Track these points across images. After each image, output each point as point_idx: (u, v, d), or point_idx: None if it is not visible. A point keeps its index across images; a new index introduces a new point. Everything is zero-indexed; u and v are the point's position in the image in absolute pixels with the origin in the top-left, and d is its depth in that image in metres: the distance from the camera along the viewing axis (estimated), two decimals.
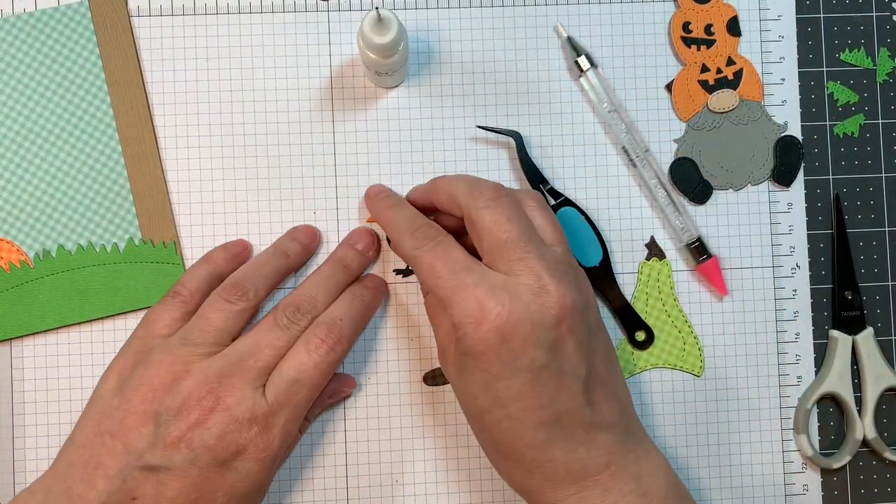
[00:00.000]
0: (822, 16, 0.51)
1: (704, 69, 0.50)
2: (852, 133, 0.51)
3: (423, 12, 0.49)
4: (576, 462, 0.40)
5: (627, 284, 0.49)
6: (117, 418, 0.41)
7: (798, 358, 0.50)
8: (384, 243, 0.49)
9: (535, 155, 0.49)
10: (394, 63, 0.44)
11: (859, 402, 0.49)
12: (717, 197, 0.50)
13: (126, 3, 0.48)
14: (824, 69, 0.51)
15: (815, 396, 0.49)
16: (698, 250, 0.49)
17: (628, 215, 0.49)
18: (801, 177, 0.50)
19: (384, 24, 0.42)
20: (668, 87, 0.50)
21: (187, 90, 0.48)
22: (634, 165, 0.49)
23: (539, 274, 0.40)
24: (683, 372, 0.49)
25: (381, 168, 0.49)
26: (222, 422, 0.40)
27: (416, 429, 0.48)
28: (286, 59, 0.49)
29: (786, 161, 0.50)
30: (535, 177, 0.49)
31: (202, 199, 0.48)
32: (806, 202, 0.50)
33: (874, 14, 0.51)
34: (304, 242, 0.47)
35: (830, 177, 0.51)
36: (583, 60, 0.49)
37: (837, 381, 0.49)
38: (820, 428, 0.50)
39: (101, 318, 0.48)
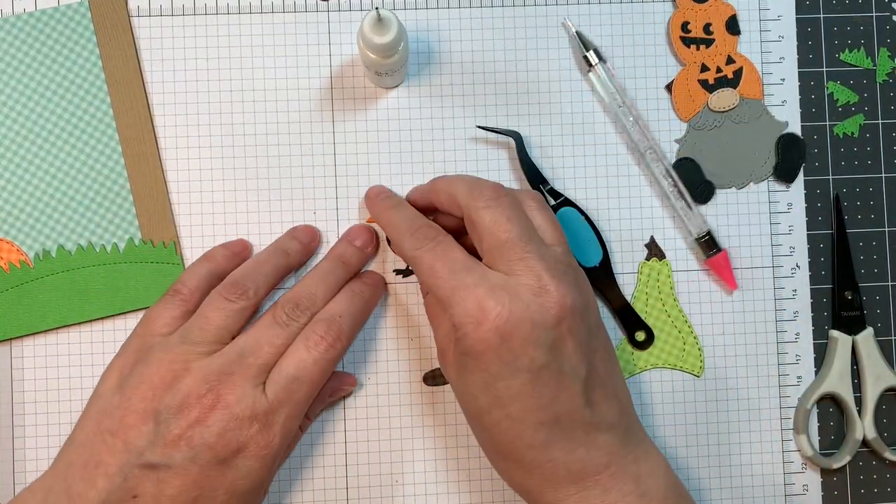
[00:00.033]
0: (822, 16, 0.51)
1: (704, 69, 0.50)
2: (852, 133, 0.51)
3: (423, 12, 0.49)
4: (575, 462, 0.40)
5: (627, 284, 0.49)
6: (117, 417, 0.41)
7: (798, 358, 0.50)
8: (383, 242, 0.49)
9: (535, 155, 0.49)
10: (394, 63, 0.44)
11: (859, 402, 0.49)
12: (717, 197, 0.50)
13: (126, 3, 0.48)
14: (824, 69, 0.51)
15: (815, 396, 0.49)
16: (708, 244, 0.49)
17: (628, 215, 0.50)
18: (801, 177, 0.50)
19: (384, 24, 0.42)
20: (668, 87, 0.50)
21: (187, 90, 0.48)
22: (643, 160, 0.49)
23: (539, 274, 0.40)
24: (683, 372, 0.49)
25: (381, 168, 0.49)
26: (222, 419, 0.40)
27: (416, 429, 0.48)
28: (286, 59, 0.49)
29: (787, 158, 0.50)
30: (535, 177, 0.49)
31: (202, 199, 0.48)
32: (806, 202, 0.50)
33: (874, 14, 0.51)
34: (305, 241, 0.47)
35: (830, 177, 0.51)
36: (591, 55, 0.49)
37: (837, 381, 0.49)
38: (820, 428, 0.50)
39: (101, 318, 0.48)
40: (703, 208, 0.50)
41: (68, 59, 0.48)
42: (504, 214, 0.41)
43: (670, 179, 0.49)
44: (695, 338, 0.49)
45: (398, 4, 0.49)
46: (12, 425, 0.47)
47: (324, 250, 0.48)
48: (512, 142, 0.49)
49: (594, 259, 0.49)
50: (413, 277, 0.49)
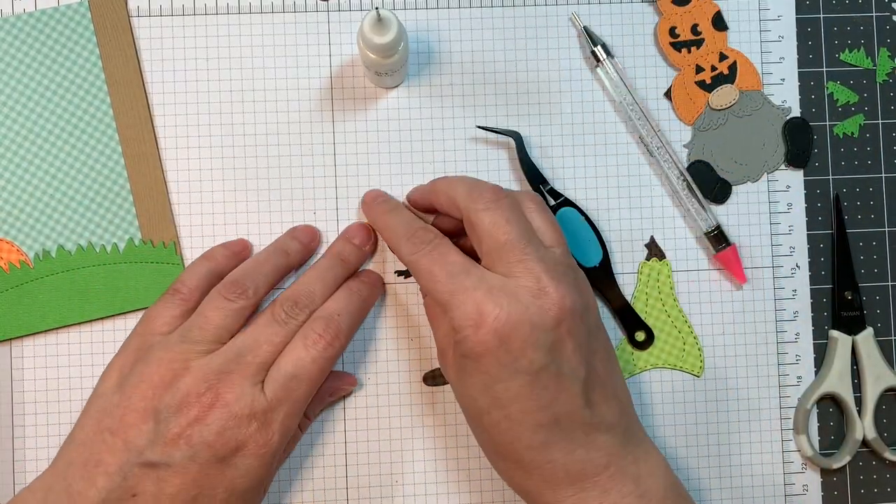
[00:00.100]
0: (822, 16, 0.51)
1: (699, 70, 0.50)
2: (852, 133, 0.51)
3: (423, 12, 0.49)
4: (575, 463, 0.40)
5: (627, 284, 0.49)
6: (117, 416, 0.41)
7: (798, 358, 0.50)
8: (382, 241, 0.49)
9: (535, 155, 0.49)
10: (394, 63, 0.45)
11: (859, 402, 0.49)
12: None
13: (126, 3, 0.48)
14: (824, 69, 0.51)
15: (815, 396, 0.49)
16: (717, 238, 0.49)
17: (628, 215, 0.50)
18: (801, 177, 0.50)
19: (384, 24, 0.42)
20: (667, 94, 0.50)
21: (187, 90, 0.48)
22: (653, 156, 0.49)
23: (538, 276, 0.40)
24: (683, 372, 0.49)
25: (381, 168, 0.49)
26: (221, 418, 0.40)
27: (415, 429, 0.48)
28: (286, 59, 0.49)
29: (797, 143, 0.50)
30: (535, 177, 0.49)
31: (202, 199, 0.48)
32: (806, 202, 0.50)
33: (874, 14, 0.51)
34: (305, 241, 0.47)
35: (830, 177, 0.51)
36: (600, 50, 0.49)
37: (837, 381, 0.49)
38: (820, 428, 0.50)
39: (101, 318, 0.48)
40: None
41: (68, 59, 0.48)
42: (503, 216, 0.41)
43: (678, 173, 0.49)
44: (695, 338, 0.49)
45: (398, 4, 0.49)
46: (12, 425, 0.47)
47: (323, 250, 0.48)
48: (512, 142, 0.49)
49: (594, 259, 0.49)
50: (413, 278, 0.49)
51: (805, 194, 0.50)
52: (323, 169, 0.49)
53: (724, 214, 0.50)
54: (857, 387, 0.50)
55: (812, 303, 0.50)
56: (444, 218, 0.46)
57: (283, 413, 0.41)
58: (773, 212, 0.50)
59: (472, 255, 0.43)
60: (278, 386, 0.41)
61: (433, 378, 0.48)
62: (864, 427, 0.49)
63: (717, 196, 0.50)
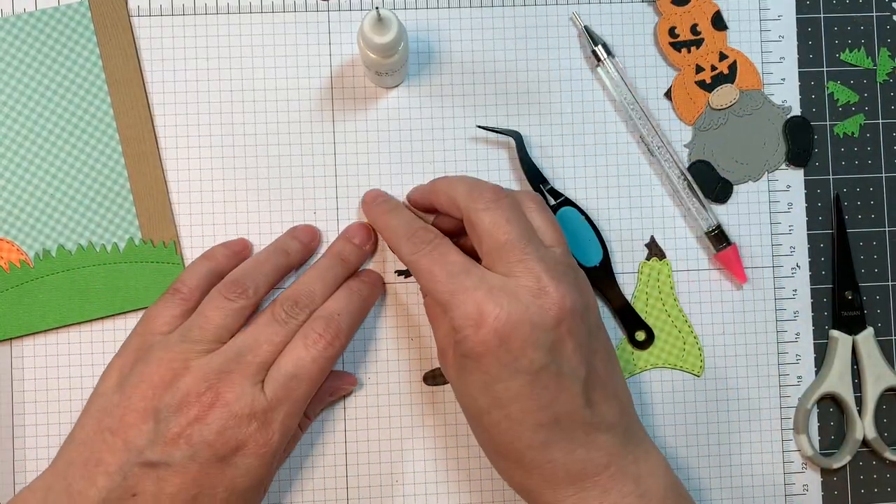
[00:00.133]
0: (822, 16, 0.51)
1: (699, 69, 0.50)
2: (852, 133, 0.51)
3: (423, 12, 0.49)
4: (575, 463, 0.40)
5: (627, 284, 0.49)
6: (117, 415, 0.41)
7: (798, 358, 0.50)
8: (382, 241, 0.49)
9: (535, 155, 0.49)
10: (394, 63, 0.45)
11: (859, 402, 0.49)
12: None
13: (126, 3, 0.48)
14: (824, 69, 0.51)
15: (815, 396, 0.49)
16: (718, 238, 0.49)
17: (628, 215, 0.50)
18: (801, 177, 0.50)
19: (384, 24, 0.42)
20: (668, 94, 0.50)
21: (187, 90, 0.48)
22: (654, 155, 0.49)
23: (538, 275, 0.40)
24: (683, 372, 0.49)
25: (381, 168, 0.49)
26: (221, 417, 0.40)
27: (416, 429, 0.48)
28: (286, 59, 0.49)
29: (798, 142, 0.50)
30: (535, 177, 0.49)
31: (202, 199, 0.48)
32: (806, 202, 0.50)
33: (874, 14, 0.51)
34: (305, 241, 0.47)
35: (830, 177, 0.51)
36: (600, 50, 0.49)
37: (837, 381, 0.49)
38: (820, 428, 0.50)
39: (101, 318, 0.48)
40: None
41: (68, 59, 0.48)
42: (503, 216, 0.41)
43: (678, 173, 0.49)
44: (695, 338, 0.49)
45: (398, 4, 0.49)
46: (12, 425, 0.47)
47: (323, 249, 0.48)
48: (512, 142, 0.49)
49: (594, 259, 0.49)
50: (413, 278, 0.49)
51: (805, 194, 0.50)
52: (323, 169, 0.49)
53: (725, 214, 0.50)
54: (858, 387, 0.50)
55: (812, 303, 0.50)
56: (444, 218, 0.46)
57: (284, 412, 0.41)
58: (773, 211, 0.50)
59: (473, 254, 0.43)
60: (278, 385, 0.41)
61: (433, 378, 0.48)
62: (864, 427, 0.49)
63: (719, 196, 0.50)
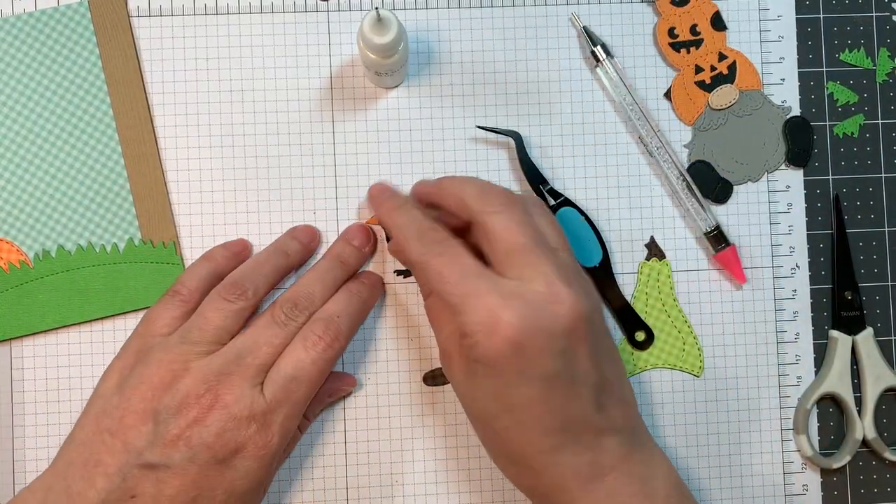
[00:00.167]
0: (822, 16, 0.51)
1: (699, 70, 0.50)
2: (852, 133, 0.51)
3: (423, 12, 0.49)
4: (583, 466, 0.40)
5: (627, 284, 0.49)
6: (117, 417, 0.41)
7: (798, 358, 0.50)
8: (382, 241, 0.49)
9: (535, 155, 0.49)
10: (394, 63, 0.44)
11: (859, 402, 0.49)
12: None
13: (126, 3, 0.48)
14: (824, 69, 0.51)
15: (815, 396, 0.49)
16: (717, 238, 0.49)
17: (628, 215, 0.49)
18: (801, 177, 0.50)
19: (384, 24, 0.42)
20: (667, 94, 0.50)
21: (187, 90, 0.48)
22: (651, 155, 0.49)
23: (551, 280, 0.39)
24: (683, 372, 0.49)
25: (381, 168, 0.49)
26: (221, 419, 0.40)
27: (416, 429, 0.48)
28: (286, 59, 0.49)
29: (798, 142, 0.50)
30: (535, 177, 0.49)
31: (202, 199, 0.48)
32: (806, 202, 0.50)
33: (874, 14, 0.51)
34: (304, 242, 0.47)
35: (830, 177, 0.51)
36: (599, 50, 0.49)
37: (837, 381, 0.49)
38: (820, 428, 0.50)
39: (101, 318, 0.48)
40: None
41: (68, 59, 0.48)
42: (515, 220, 0.41)
43: (678, 173, 0.49)
44: (694, 338, 0.49)
45: (398, 4, 0.49)
46: (12, 425, 0.47)
47: (323, 250, 0.48)
48: (512, 142, 0.49)
49: (594, 259, 0.49)
50: (413, 278, 0.48)
51: (805, 194, 0.50)
52: (323, 169, 0.49)
53: (724, 214, 0.50)
54: (857, 387, 0.50)
55: (812, 303, 0.50)
56: (447, 216, 0.46)
57: (283, 415, 0.41)
58: (772, 212, 0.50)
59: (476, 255, 0.43)
60: (278, 387, 0.41)
61: (433, 378, 0.48)
62: (864, 427, 0.49)
63: (719, 196, 0.50)
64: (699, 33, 0.50)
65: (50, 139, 0.48)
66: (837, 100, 0.51)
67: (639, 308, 0.49)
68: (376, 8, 0.41)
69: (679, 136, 0.50)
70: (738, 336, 0.50)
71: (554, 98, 0.49)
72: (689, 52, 0.50)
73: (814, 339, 0.50)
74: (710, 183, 0.50)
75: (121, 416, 0.40)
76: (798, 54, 0.51)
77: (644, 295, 0.49)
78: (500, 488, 0.48)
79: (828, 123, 0.51)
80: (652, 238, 0.50)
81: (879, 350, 0.49)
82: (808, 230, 0.50)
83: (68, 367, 0.47)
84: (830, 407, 0.50)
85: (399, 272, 0.49)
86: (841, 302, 0.50)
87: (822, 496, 0.50)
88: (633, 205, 0.50)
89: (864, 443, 0.49)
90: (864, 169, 0.51)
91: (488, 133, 0.49)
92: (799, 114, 0.50)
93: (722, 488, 0.49)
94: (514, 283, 0.40)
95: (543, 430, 0.39)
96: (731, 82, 0.50)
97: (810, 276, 0.50)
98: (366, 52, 0.44)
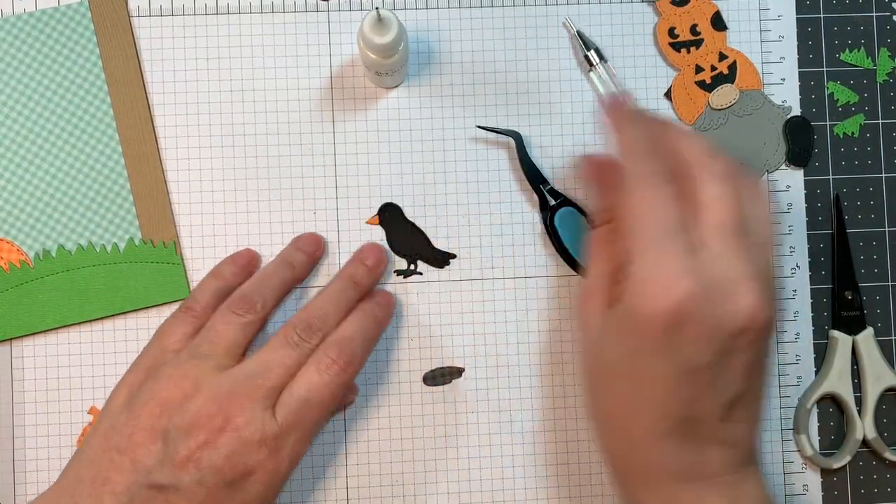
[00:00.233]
0: (822, 16, 0.51)
1: (699, 70, 0.50)
2: (852, 133, 0.51)
3: (423, 12, 0.49)
4: (683, 464, 0.38)
5: None
6: (126, 434, 0.40)
7: (798, 358, 0.50)
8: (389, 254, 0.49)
9: (535, 155, 0.49)
10: (394, 63, 0.44)
11: (859, 402, 0.49)
12: None
13: (126, 3, 0.48)
14: (824, 69, 0.51)
15: (815, 396, 0.49)
16: None
17: None
18: (801, 177, 0.50)
19: (384, 24, 0.42)
20: (668, 94, 0.50)
21: (187, 90, 0.48)
22: None
23: (747, 275, 0.37)
24: None
25: (381, 168, 0.49)
26: (231, 442, 0.39)
27: (416, 429, 0.48)
28: (286, 59, 0.49)
29: (798, 141, 0.50)
30: (535, 177, 0.48)
31: (202, 199, 0.48)
32: (806, 202, 0.50)
33: (874, 14, 0.51)
34: (309, 251, 0.47)
35: (830, 177, 0.50)
36: (592, 55, 0.49)
37: (837, 381, 0.49)
38: (820, 428, 0.50)
39: (101, 318, 0.48)
40: None
41: (68, 59, 0.48)
42: (734, 195, 0.38)
43: None
44: None
45: (398, 4, 0.49)
46: (12, 425, 0.47)
47: (324, 249, 0.48)
48: (512, 142, 0.49)
49: None
50: (413, 279, 0.48)
51: (805, 194, 0.50)
52: (323, 169, 0.49)
53: None
54: (858, 387, 0.50)
55: (812, 303, 0.50)
56: (601, 195, 0.42)
57: (294, 439, 0.41)
58: (773, 212, 0.50)
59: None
60: (290, 411, 0.41)
61: (433, 378, 0.48)
62: (864, 427, 0.49)
63: None
64: (699, 33, 0.50)
65: (50, 139, 0.48)
66: (838, 100, 0.51)
67: None
68: (376, 8, 0.41)
69: None
70: None
71: (554, 98, 0.49)
72: (689, 52, 0.50)
73: (814, 339, 0.50)
74: None
75: (130, 434, 0.40)
76: (798, 54, 0.51)
77: None
78: (500, 488, 0.48)
79: (828, 123, 0.50)
80: None
81: (880, 350, 0.49)
82: (808, 230, 0.50)
83: (68, 367, 0.47)
84: (830, 407, 0.50)
85: (399, 272, 0.49)
86: (841, 302, 0.50)
87: (823, 496, 0.50)
88: None
89: (865, 443, 0.49)
90: (865, 169, 0.51)
91: (488, 133, 0.49)
92: (799, 114, 0.50)
93: None
94: (709, 259, 0.37)
95: (662, 412, 0.38)
96: (732, 82, 0.50)
97: (810, 275, 0.50)
98: (366, 52, 0.44)
